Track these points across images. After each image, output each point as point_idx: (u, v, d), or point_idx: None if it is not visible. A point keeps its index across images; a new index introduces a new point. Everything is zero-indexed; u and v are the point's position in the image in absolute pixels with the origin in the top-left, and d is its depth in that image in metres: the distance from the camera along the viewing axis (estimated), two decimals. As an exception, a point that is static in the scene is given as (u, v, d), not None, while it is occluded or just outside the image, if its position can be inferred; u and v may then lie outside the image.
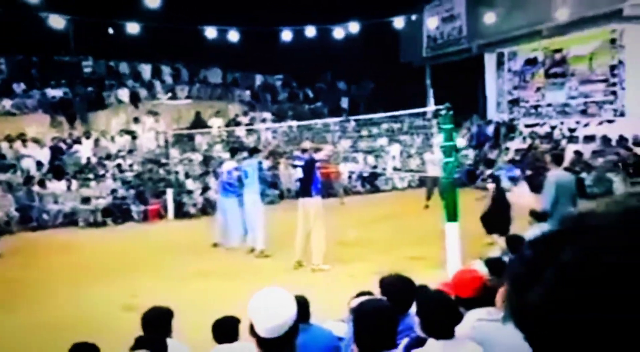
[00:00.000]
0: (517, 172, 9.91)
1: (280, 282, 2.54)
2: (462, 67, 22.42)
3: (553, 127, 19.01)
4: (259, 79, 23.83)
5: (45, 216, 13.66)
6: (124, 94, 19.79)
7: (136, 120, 18.96)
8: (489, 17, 20.31)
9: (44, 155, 16.06)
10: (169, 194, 14.46)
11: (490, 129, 20.64)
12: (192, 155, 17.48)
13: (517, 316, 0.57)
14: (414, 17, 21.60)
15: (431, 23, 22.91)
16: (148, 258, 9.85)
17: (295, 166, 8.94)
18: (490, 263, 4.70)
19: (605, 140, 16.41)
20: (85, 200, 14.12)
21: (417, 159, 18.60)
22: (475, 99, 23.10)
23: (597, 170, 14.35)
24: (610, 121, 17.36)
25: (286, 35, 19.62)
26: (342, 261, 8.74)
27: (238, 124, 19.98)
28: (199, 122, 19.79)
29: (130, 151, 17.53)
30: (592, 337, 0.51)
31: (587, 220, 0.56)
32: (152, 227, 13.57)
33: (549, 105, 19.70)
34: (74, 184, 14.68)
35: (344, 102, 24.21)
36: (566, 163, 10.32)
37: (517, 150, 18.29)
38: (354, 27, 19.79)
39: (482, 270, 4.31)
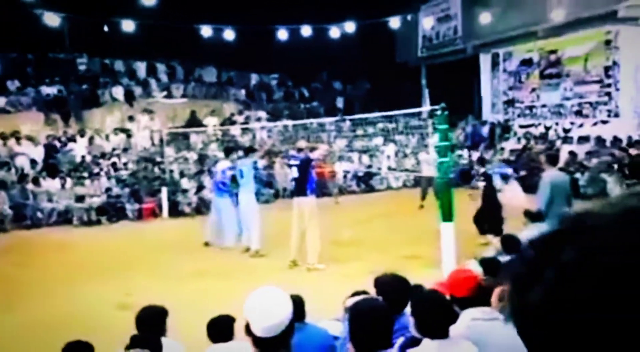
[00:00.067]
0: (508, 170, 9.93)
1: (275, 282, 2.53)
2: (458, 67, 22.47)
3: (548, 128, 19.08)
4: (254, 78, 23.80)
5: (39, 214, 13.61)
6: (118, 92, 19.72)
7: (131, 118, 18.91)
8: (485, 18, 20.36)
9: (38, 153, 15.99)
10: (164, 192, 14.44)
11: (485, 130, 20.70)
12: (187, 154, 17.45)
13: (517, 315, 0.57)
14: (409, 17, 21.65)
15: (427, 23, 22.96)
16: (143, 257, 9.82)
17: (290, 165, 8.94)
18: (485, 263, 4.72)
19: (600, 141, 16.50)
20: (80, 198, 14.07)
21: (412, 158, 18.63)
22: (470, 100, 23.16)
23: (591, 171, 14.43)
24: (604, 122, 17.45)
25: (282, 34, 19.61)
26: (337, 261, 8.74)
27: (233, 123, 19.94)
28: (194, 121, 19.75)
29: (125, 149, 17.48)
30: (593, 337, 0.51)
31: (587, 220, 0.56)
32: (147, 226, 13.53)
33: (544, 106, 19.76)
34: (69, 182, 14.63)
35: (340, 102, 24.21)
36: (561, 163, 10.37)
37: (512, 151, 18.35)
38: (349, 26, 19.81)
39: (477, 270, 4.33)
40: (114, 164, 16.05)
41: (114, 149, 17.23)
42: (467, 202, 9.80)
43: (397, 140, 19.83)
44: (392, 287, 3.36)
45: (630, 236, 0.52)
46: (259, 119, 20.79)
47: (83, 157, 16.32)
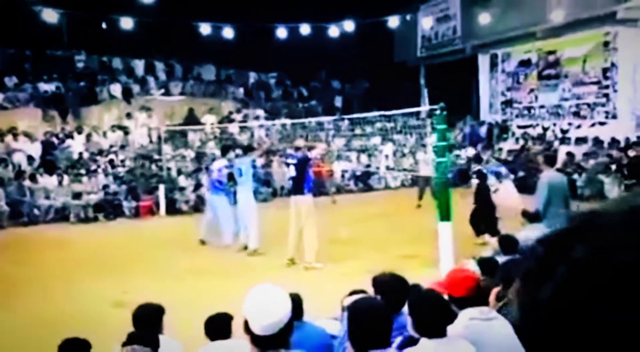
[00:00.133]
0: (502, 169, 9.92)
1: (273, 280, 2.53)
2: (456, 67, 22.49)
3: (545, 129, 19.11)
4: (252, 77, 23.77)
5: (36, 211, 13.58)
6: (116, 89, 19.69)
7: (129, 115, 18.88)
8: (484, 18, 20.38)
9: (36, 150, 15.96)
10: (161, 190, 14.42)
11: (483, 130, 20.72)
12: (184, 152, 17.43)
13: (526, 312, 0.57)
14: (408, 17, 21.64)
15: (426, 23, 22.97)
16: (140, 254, 9.81)
17: (288, 164, 8.93)
18: (483, 263, 4.73)
19: (597, 142, 16.53)
20: (77, 195, 14.05)
21: (411, 158, 18.65)
22: (468, 100, 23.18)
23: (589, 172, 14.46)
24: (602, 123, 17.49)
25: (281, 32, 19.59)
26: (334, 259, 8.74)
27: (231, 121, 19.93)
28: (192, 119, 19.72)
29: (123, 147, 17.44)
30: (603, 334, 0.51)
31: (596, 218, 0.56)
32: (144, 224, 13.52)
33: (542, 106, 19.79)
34: (66, 179, 14.60)
35: (338, 101, 24.20)
36: (558, 164, 10.38)
37: (509, 151, 18.38)
38: (349, 26, 19.80)
39: (475, 269, 4.33)
40: (111, 161, 16.02)
41: (111, 146, 17.19)
42: (464, 202, 9.81)
43: (396, 139, 19.84)
44: (390, 286, 3.36)
45: (639, 234, 0.52)
46: (257, 118, 20.78)
47: (80, 154, 16.29)
